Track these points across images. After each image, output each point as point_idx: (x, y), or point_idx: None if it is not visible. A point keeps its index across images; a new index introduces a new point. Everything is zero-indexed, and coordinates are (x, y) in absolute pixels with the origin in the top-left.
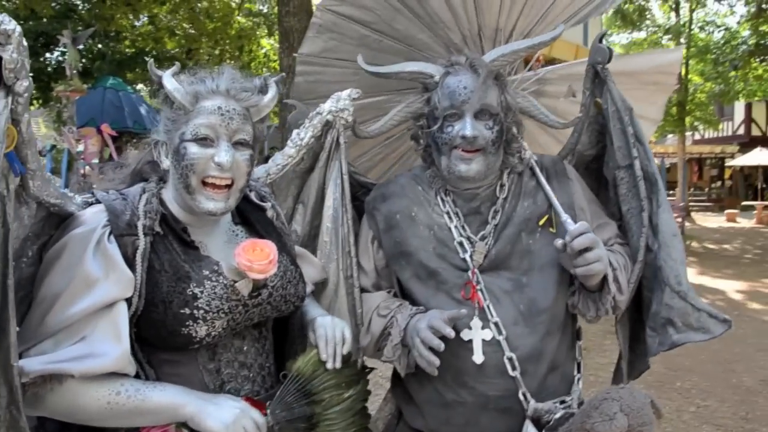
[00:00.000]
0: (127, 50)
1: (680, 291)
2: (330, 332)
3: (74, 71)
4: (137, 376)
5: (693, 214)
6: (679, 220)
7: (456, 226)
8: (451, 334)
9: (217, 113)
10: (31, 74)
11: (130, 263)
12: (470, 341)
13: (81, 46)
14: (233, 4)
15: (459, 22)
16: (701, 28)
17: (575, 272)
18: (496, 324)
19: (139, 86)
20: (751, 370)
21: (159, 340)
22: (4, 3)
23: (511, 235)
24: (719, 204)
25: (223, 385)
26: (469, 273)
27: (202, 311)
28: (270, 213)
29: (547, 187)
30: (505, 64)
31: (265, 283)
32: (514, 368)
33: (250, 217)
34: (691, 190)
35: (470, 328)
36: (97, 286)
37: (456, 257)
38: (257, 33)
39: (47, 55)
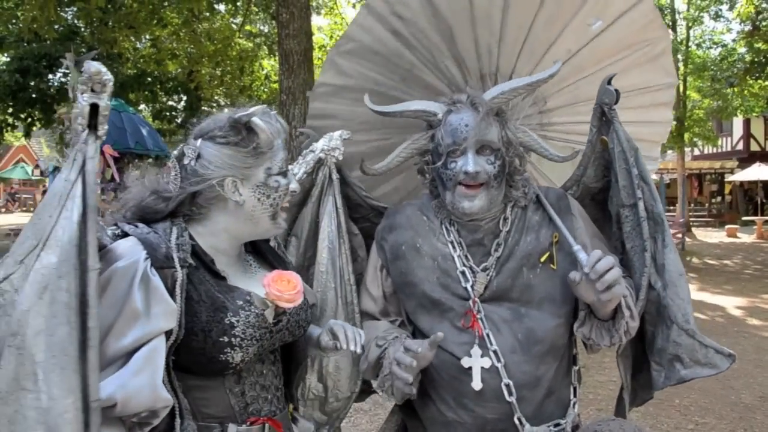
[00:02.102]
0: (129, 71)
1: (688, 329)
2: (345, 326)
3: (77, 93)
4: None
5: (694, 229)
6: (680, 236)
7: (459, 256)
8: (418, 349)
9: (286, 149)
10: (34, 95)
11: (171, 294)
12: (470, 368)
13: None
14: (234, 26)
15: (480, 63)
16: (698, 46)
17: (597, 299)
18: (495, 352)
19: (141, 107)
20: (750, 387)
21: (198, 367)
22: (9, 26)
23: (513, 269)
24: (720, 219)
25: (247, 407)
26: (470, 302)
27: (238, 339)
28: (273, 243)
29: (557, 219)
30: (504, 101)
31: (284, 311)
32: (510, 394)
33: (261, 246)
34: (691, 205)
35: (470, 356)
36: (145, 318)
37: (458, 287)
38: (258, 54)
39: (50, 76)
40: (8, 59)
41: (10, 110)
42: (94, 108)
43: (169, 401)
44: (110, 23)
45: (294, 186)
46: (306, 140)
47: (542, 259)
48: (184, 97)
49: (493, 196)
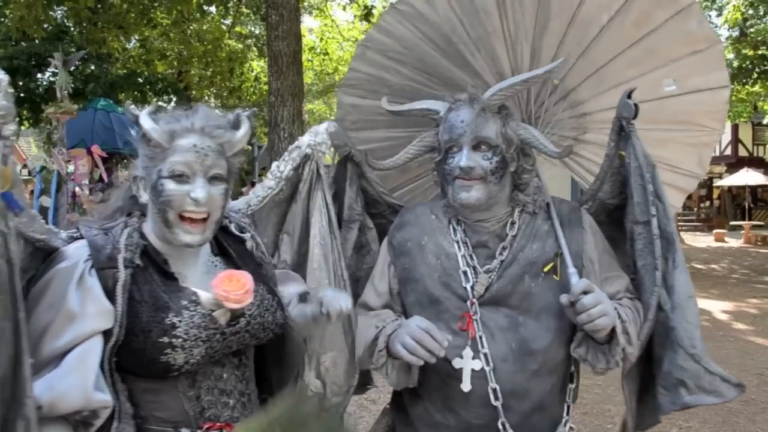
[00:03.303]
0: (119, 72)
1: (694, 354)
2: (333, 294)
3: (65, 93)
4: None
5: (682, 233)
6: None
7: (463, 255)
8: (444, 343)
9: (193, 151)
10: (22, 94)
11: (111, 295)
12: (460, 369)
13: (72, 68)
14: (224, 27)
15: (513, 66)
16: None
17: (583, 329)
18: (485, 355)
19: (135, 109)
20: None
21: (139, 368)
22: None
23: (514, 275)
24: (708, 224)
25: (203, 412)
26: (468, 303)
27: (180, 339)
28: (249, 244)
29: (561, 234)
30: (504, 98)
31: (243, 312)
32: (496, 398)
33: (228, 248)
34: (680, 210)
35: (461, 357)
36: (80, 318)
37: (459, 286)
38: (248, 56)
39: (39, 76)
40: None
41: None
42: None
43: (107, 402)
44: (99, 23)
45: (195, 195)
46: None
47: (546, 269)
48: (174, 98)
49: (492, 191)
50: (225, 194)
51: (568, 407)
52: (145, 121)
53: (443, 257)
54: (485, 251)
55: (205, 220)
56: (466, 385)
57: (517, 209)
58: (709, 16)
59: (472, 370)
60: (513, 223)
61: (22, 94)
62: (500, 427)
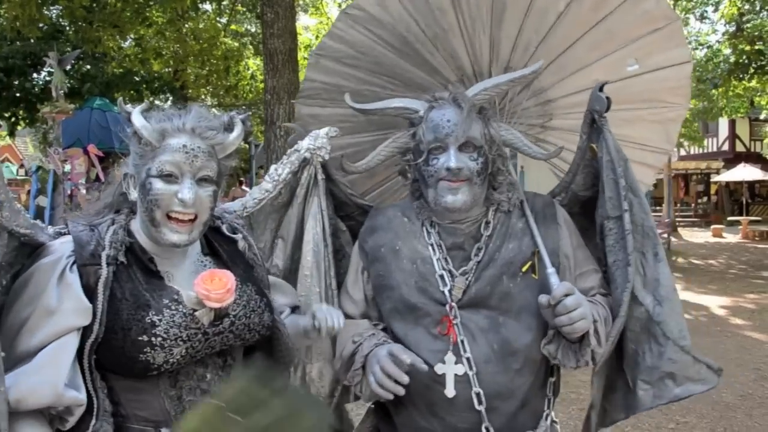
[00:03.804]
0: (115, 71)
1: (685, 345)
2: (328, 309)
3: (60, 92)
4: (89, 404)
5: (680, 229)
6: (665, 236)
7: (438, 259)
8: (407, 361)
9: (182, 151)
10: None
11: (92, 292)
12: (443, 375)
13: (69, 67)
14: (219, 26)
15: (473, 60)
16: None
17: (559, 329)
18: (468, 359)
19: (128, 107)
20: (731, 386)
21: (118, 367)
22: None
23: (492, 276)
24: (705, 219)
25: (185, 411)
26: (447, 307)
27: (159, 338)
28: (241, 245)
29: (536, 232)
30: (487, 98)
31: (227, 313)
32: (480, 403)
33: (218, 248)
34: (677, 205)
35: (444, 363)
36: (56, 314)
37: (436, 291)
38: (244, 54)
39: (35, 75)
40: None
41: None
42: None
43: (80, 400)
44: (94, 23)
45: (182, 196)
46: (293, 135)
47: (524, 269)
48: (171, 97)
49: (476, 194)
50: (213, 196)
51: (549, 400)
52: (137, 119)
53: (419, 261)
54: (461, 253)
55: (192, 221)
56: (450, 391)
57: (492, 209)
58: (706, 11)
59: (456, 375)
60: (488, 223)
61: (18, 94)
62: (484, 431)
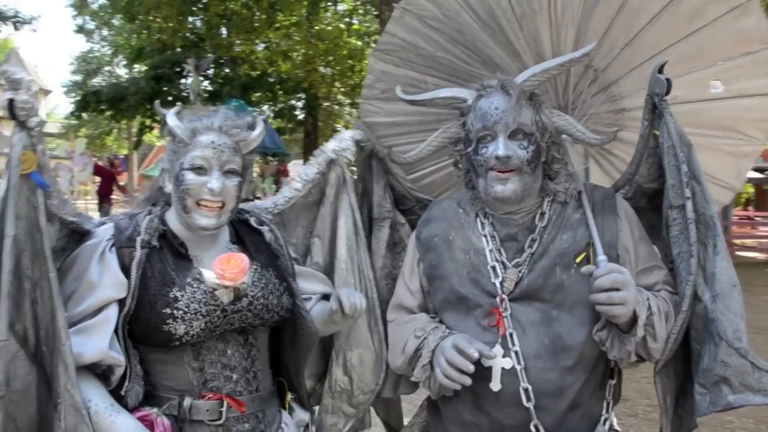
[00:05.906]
0: (251, 73)
1: (740, 348)
2: (350, 292)
3: (197, 95)
4: (124, 369)
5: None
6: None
7: (492, 250)
8: (474, 355)
9: (211, 147)
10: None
11: (127, 271)
12: (490, 368)
13: (210, 72)
14: (342, 26)
15: (555, 49)
16: None
17: (598, 310)
18: (516, 353)
19: (264, 107)
20: None
21: (144, 337)
22: (143, 36)
23: (545, 268)
24: None
25: (207, 383)
26: (497, 299)
27: (181, 312)
28: (268, 236)
29: (592, 222)
30: (537, 84)
31: (246, 293)
32: (528, 399)
33: (245, 238)
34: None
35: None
36: (97, 288)
37: (488, 282)
38: (366, 52)
39: (181, 81)
40: (146, 68)
41: (149, 113)
42: (12, 102)
43: (120, 361)
44: (228, 29)
45: (211, 185)
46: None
47: (578, 260)
48: (303, 96)
49: (527, 183)
50: (238, 186)
51: (608, 404)
52: (171, 120)
53: (471, 252)
54: (514, 244)
55: (220, 207)
56: (495, 385)
57: (548, 199)
58: None
59: (503, 369)
60: (543, 214)
61: (169, 98)
62: (533, 429)
